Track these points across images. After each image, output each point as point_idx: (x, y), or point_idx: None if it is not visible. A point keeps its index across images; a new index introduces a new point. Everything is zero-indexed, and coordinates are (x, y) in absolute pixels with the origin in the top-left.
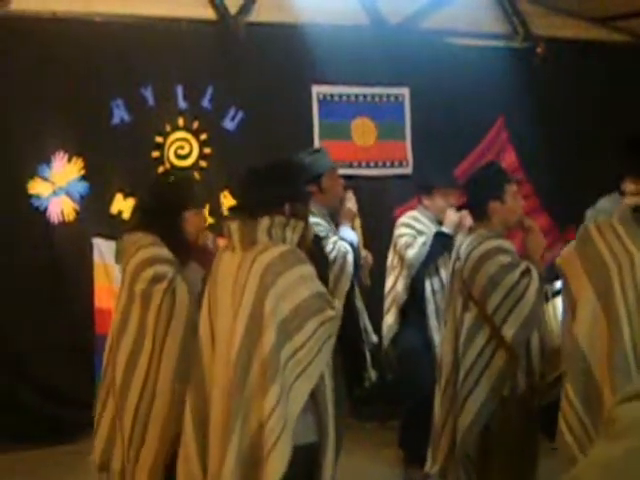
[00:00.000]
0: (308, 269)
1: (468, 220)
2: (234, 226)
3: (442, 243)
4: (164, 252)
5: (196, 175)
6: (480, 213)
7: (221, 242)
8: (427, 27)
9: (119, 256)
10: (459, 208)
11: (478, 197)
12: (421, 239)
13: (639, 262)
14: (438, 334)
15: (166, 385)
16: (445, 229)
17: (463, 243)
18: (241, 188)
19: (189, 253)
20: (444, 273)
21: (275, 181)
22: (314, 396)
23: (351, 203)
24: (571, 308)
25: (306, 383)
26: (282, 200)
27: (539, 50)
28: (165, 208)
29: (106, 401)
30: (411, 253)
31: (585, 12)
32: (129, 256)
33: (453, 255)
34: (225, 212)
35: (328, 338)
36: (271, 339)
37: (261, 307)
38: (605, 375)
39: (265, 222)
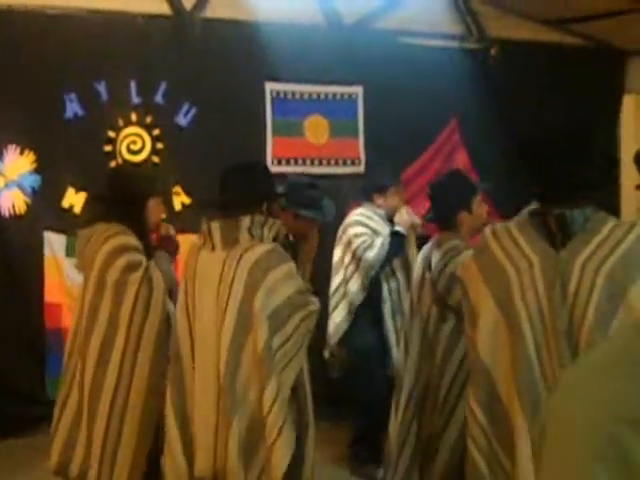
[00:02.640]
0: (291, 266)
1: (417, 219)
2: (215, 225)
3: (398, 243)
4: (134, 240)
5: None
6: (449, 223)
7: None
8: (382, 27)
9: (79, 248)
10: (430, 220)
11: (447, 208)
12: (379, 240)
13: (538, 266)
14: (393, 335)
15: (143, 377)
16: (399, 228)
17: (433, 254)
18: (220, 187)
19: (152, 243)
20: (400, 274)
21: (253, 181)
22: (295, 390)
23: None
24: (471, 319)
25: (292, 375)
26: (260, 199)
27: (493, 51)
28: (130, 197)
29: (67, 398)
30: (371, 255)
31: (539, 14)
32: (97, 245)
33: (422, 263)
34: (177, 207)
35: (307, 332)
36: (264, 335)
37: (250, 303)
38: (509, 386)
39: (246, 221)
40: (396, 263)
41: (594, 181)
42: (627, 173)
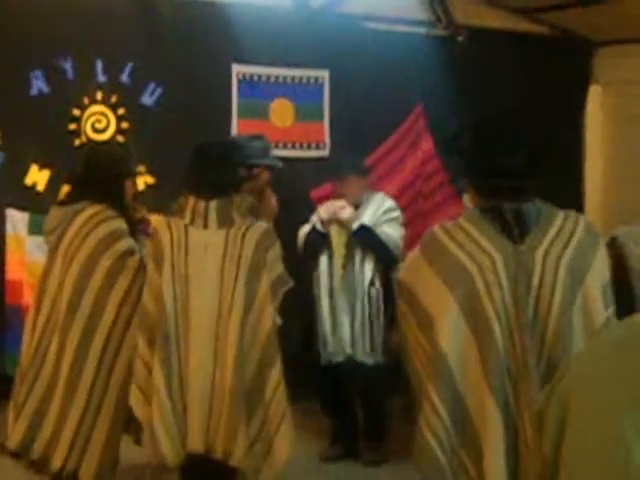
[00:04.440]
0: (279, 244)
1: (346, 212)
2: (213, 204)
3: (314, 239)
4: (125, 225)
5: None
6: None
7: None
8: (350, 11)
9: (52, 225)
10: None
11: None
12: (305, 227)
13: (500, 261)
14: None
15: (126, 363)
16: (318, 225)
17: None
18: (207, 168)
19: (131, 224)
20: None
21: (235, 162)
22: None
23: (273, 200)
24: (424, 322)
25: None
26: (243, 180)
27: (460, 39)
28: (110, 177)
29: (36, 376)
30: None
31: (508, 2)
32: (89, 228)
33: None
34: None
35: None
36: (271, 314)
37: (257, 282)
38: (478, 384)
39: (237, 201)
40: (322, 259)
41: (523, 170)
42: (591, 163)
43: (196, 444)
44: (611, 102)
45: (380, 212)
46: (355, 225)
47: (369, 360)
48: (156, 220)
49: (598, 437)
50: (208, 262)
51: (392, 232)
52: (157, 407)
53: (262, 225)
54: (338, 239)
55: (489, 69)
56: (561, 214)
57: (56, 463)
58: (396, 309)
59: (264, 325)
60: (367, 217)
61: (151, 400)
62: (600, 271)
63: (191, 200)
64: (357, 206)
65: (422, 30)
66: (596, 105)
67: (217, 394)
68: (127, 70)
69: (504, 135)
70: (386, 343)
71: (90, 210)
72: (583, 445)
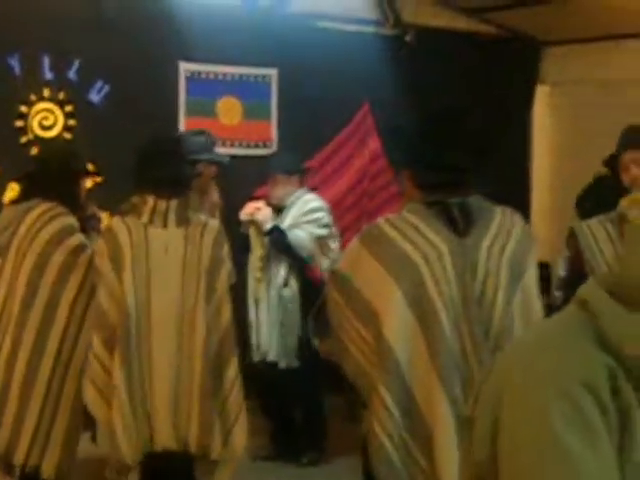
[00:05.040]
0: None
1: (261, 213)
2: (173, 204)
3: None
4: (76, 222)
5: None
6: None
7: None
8: (298, 10)
9: (5, 226)
10: None
11: None
12: None
13: (447, 254)
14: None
15: (81, 360)
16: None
17: None
18: (163, 164)
19: (82, 221)
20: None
21: (187, 160)
22: None
23: (215, 195)
24: (365, 314)
25: None
26: (194, 176)
27: (408, 38)
28: (67, 175)
29: None
30: None
31: (455, 2)
32: (41, 224)
33: None
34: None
35: None
36: (229, 311)
37: (216, 279)
38: (428, 377)
39: (193, 200)
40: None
41: (467, 165)
42: (538, 162)
43: (167, 441)
44: (558, 102)
45: (301, 213)
46: (267, 226)
47: (282, 362)
48: (112, 219)
49: (530, 429)
50: (169, 261)
51: (301, 234)
52: (117, 407)
53: (216, 223)
54: (255, 240)
55: (437, 68)
56: (499, 210)
57: (18, 459)
58: (327, 301)
59: (223, 319)
60: (289, 218)
61: (108, 398)
62: (535, 267)
63: (150, 199)
64: (283, 207)
65: (370, 29)
66: (543, 105)
67: (184, 391)
68: (74, 67)
69: (449, 130)
70: (304, 346)
71: (41, 207)
72: (518, 438)
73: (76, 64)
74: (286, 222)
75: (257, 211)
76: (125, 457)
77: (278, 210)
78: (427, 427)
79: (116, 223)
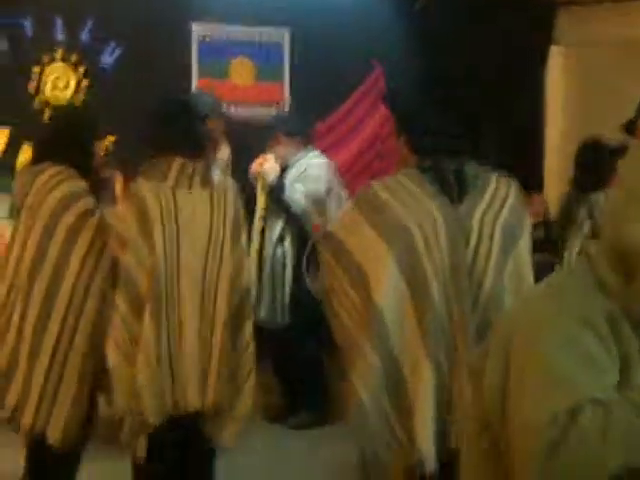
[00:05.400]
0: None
1: (266, 165)
2: (199, 166)
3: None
4: (85, 185)
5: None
6: None
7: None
8: None
9: (19, 185)
10: None
11: None
12: None
13: (441, 221)
14: None
15: (89, 322)
16: None
17: None
18: (187, 124)
19: (99, 186)
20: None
21: (198, 119)
22: None
23: (227, 151)
24: (356, 277)
25: None
26: (209, 137)
27: None
28: (80, 140)
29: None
30: None
31: None
32: (49, 187)
33: None
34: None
35: None
36: (248, 271)
37: (240, 238)
38: (413, 341)
39: (211, 161)
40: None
41: (463, 132)
42: (552, 124)
43: (195, 402)
44: (573, 63)
45: (299, 172)
46: (271, 178)
47: (272, 320)
48: (136, 183)
49: (534, 360)
50: (197, 225)
51: (296, 190)
52: (144, 364)
53: (233, 183)
54: (260, 192)
55: (449, 28)
56: (494, 177)
57: (26, 421)
58: (319, 261)
59: (243, 280)
60: (289, 178)
61: (132, 362)
62: (528, 237)
63: (177, 162)
64: (286, 167)
65: None
66: (557, 66)
67: (206, 351)
68: (87, 28)
69: (442, 97)
70: (297, 305)
71: (50, 171)
72: (524, 369)
73: (89, 25)
74: (287, 181)
75: (264, 162)
76: (149, 415)
77: (282, 170)
78: (408, 398)
79: (142, 187)
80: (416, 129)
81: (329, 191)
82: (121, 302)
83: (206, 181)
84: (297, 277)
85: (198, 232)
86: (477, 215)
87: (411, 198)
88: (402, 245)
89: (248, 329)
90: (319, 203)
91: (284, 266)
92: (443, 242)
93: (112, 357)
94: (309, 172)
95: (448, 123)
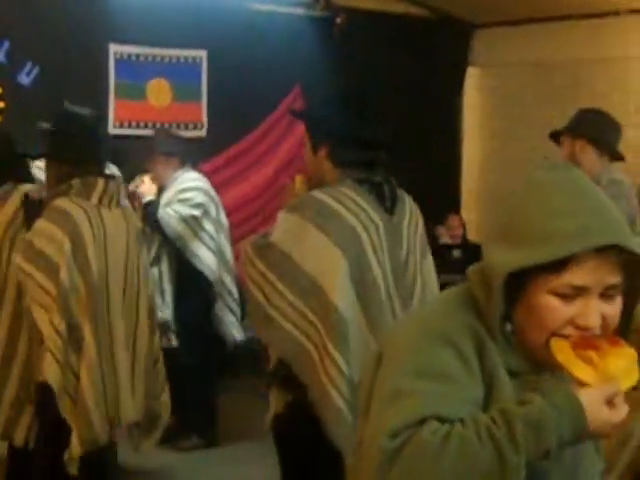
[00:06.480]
0: None
1: (142, 187)
2: (114, 184)
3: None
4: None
5: None
6: None
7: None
8: None
9: None
10: None
11: None
12: None
13: (382, 230)
14: None
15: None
16: None
17: None
18: (96, 141)
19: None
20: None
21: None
22: None
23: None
24: (301, 285)
25: None
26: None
27: (338, 20)
28: (16, 158)
29: None
30: None
31: None
32: None
33: None
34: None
35: None
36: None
37: (142, 253)
38: (365, 340)
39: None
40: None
41: (387, 146)
42: (468, 145)
43: (133, 415)
44: (489, 84)
45: (174, 192)
46: (145, 199)
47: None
48: (59, 201)
49: (390, 380)
50: (118, 241)
51: (168, 213)
52: (89, 382)
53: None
54: (137, 213)
55: (367, 51)
56: (405, 194)
57: None
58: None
59: (153, 297)
60: (165, 198)
61: (71, 375)
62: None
63: (100, 181)
64: (163, 187)
65: (301, 11)
66: (474, 87)
67: (132, 368)
68: (4, 48)
69: (363, 111)
70: (183, 326)
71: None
72: (381, 388)
73: (6, 45)
74: (162, 202)
75: (140, 184)
76: (99, 436)
77: (159, 190)
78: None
79: (69, 205)
80: (339, 142)
81: (204, 213)
82: (57, 318)
83: (118, 200)
84: (178, 298)
85: (120, 249)
86: (404, 225)
87: (356, 206)
88: (354, 250)
89: (157, 343)
90: (193, 226)
91: (162, 291)
92: (385, 247)
93: (49, 370)
94: (184, 194)
95: (371, 133)
